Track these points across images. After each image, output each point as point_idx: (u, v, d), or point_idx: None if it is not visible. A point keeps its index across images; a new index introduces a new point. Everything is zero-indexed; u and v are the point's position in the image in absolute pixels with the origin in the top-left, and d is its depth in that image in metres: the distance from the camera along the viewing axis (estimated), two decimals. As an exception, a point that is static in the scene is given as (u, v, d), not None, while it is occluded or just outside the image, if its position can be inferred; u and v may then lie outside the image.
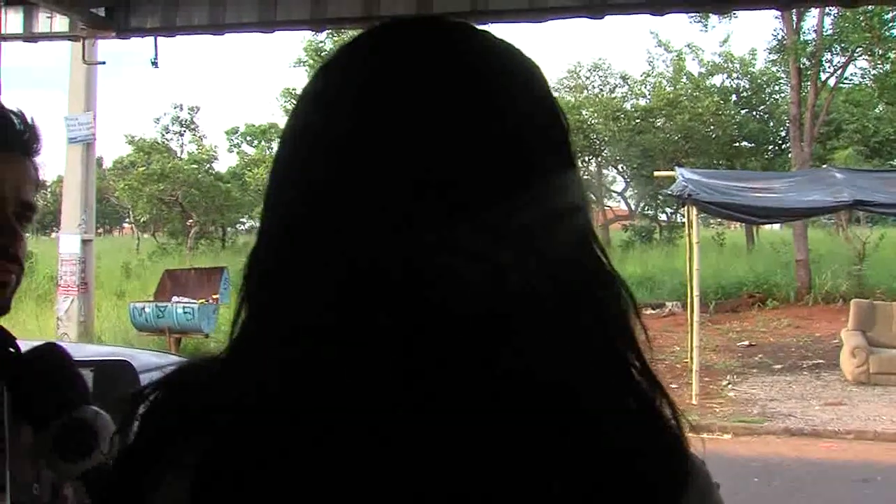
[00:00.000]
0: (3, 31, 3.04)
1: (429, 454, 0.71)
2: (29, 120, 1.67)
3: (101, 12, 4.54)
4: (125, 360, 2.60)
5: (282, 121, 45.96)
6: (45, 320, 13.95)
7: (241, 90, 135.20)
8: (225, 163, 67.68)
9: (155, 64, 5.82)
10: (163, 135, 41.39)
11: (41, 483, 1.72)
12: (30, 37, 4.48)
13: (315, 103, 0.84)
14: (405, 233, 0.73)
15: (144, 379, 2.67)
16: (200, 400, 0.79)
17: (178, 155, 40.35)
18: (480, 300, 0.73)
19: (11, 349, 1.69)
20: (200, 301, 14.46)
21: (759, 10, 9.84)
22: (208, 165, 40.05)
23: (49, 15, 4.64)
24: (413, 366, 0.73)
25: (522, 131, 0.78)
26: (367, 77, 0.80)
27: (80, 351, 7.31)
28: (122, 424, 0.86)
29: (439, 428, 0.71)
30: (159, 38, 5.90)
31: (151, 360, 5.17)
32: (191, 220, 35.73)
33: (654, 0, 3.87)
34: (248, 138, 50.67)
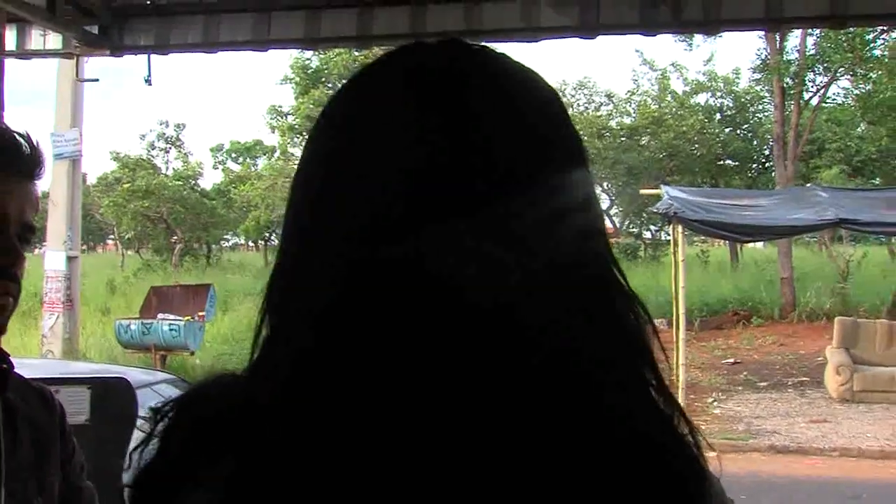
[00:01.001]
0: (4, 49, 3.05)
1: (442, 459, 0.71)
2: (35, 143, 1.69)
3: (95, 30, 4.54)
4: (122, 377, 2.61)
5: (267, 138, 45.91)
6: (30, 337, 13.89)
7: (227, 107, 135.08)
8: (210, 180, 67.57)
9: (148, 82, 5.82)
10: (148, 151, 41.28)
11: (45, 494, 1.73)
12: (23, 54, 4.48)
13: (329, 120, 0.85)
14: (408, 234, 0.74)
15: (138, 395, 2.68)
16: (224, 418, 0.79)
17: (164, 171, 40.24)
18: (485, 301, 0.74)
19: (4, 365, 1.70)
20: (186, 318, 14.41)
21: (748, 31, 9.94)
22: (193, 182, 39.98)
23: (43, 32, 4.64)
24: (419, 367, 0.73)
25: (535, 140, 0.80)
26: (385, 89, 0.82)
27: (68, 368, 7.29)
28: (142, 441, 0.85)
29: (452, 434, 0.72)
30: (150, 56, 5.90)
31: (140, 378, 5.18)
32: (176, 237, 35.63)
33: (645, 21, 3.91)
34: (234, 155, 50.67)
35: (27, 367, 1.79)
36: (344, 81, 0.88)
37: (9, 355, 1.74)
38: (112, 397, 2.42)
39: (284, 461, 0.74)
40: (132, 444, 0.88)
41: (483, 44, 0.87)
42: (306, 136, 0.89)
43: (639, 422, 0.77)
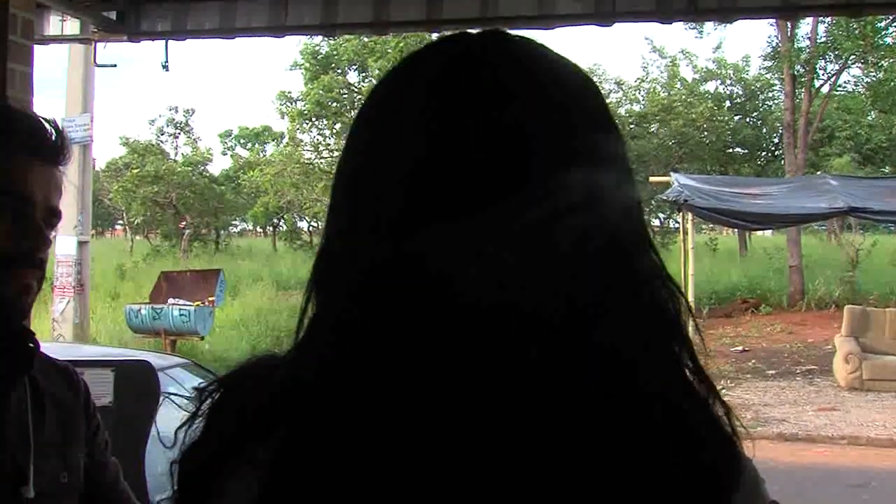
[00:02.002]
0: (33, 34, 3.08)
1: (474, 451, 0.73)
2: (60, 129, 1.72)
3: (113, 16, 4.56)
4: (146, 361, 2.64)
5: (276, 124, 45.95)
6: (40, 322, 13.93)
7: (236, 93, 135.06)
8: (219, 165, 67.63)
9: (166, 67, 5.87)
10: (157, 137, 41.33)
11: (71, 471, 1.76)
12: (42, 40, 4.50)
13: (359, 117, 0.87)
14: (411, 232, 0.76)
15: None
16: (270, 398, 0.81)
17: (173, 157, 40.29)
18: (495, 296, 0.75)
19: (31, 344, 1.73)
20: (196, 303, 14.45)
21: (763, 18, 9.88)
22: (202, 168, 40.01)
23: (61, 18, 4.66)
24: (432, 361, 0.75)
25: (564, 129, 0.80)
26: (405, 88, 0.84)
27: (80, 352, 7.33)
28: (187, 419, 0.88)
29: (481, 426, 0.73)
30: (162, 42, 5.92)
31: (155, 362, 5.20)
32: (185, 223, 35.68)
33: (662, 9, 3.90)
34: (242, 141, 50.73)
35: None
36: (382, 76, 0.90)
37: (34, 335, 1.77)
38: (135, 380, 2.45)
39: (329, 442, 0.76)
40: (178, 423, 0.90)
41: (523, 35, 0.87)
42: (314, 122, 0.91)
43: (671, 406, 0.77)
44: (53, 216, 1.71)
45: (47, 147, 1.69)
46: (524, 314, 0.75)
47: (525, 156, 0.77)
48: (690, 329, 0.85)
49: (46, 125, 1.70)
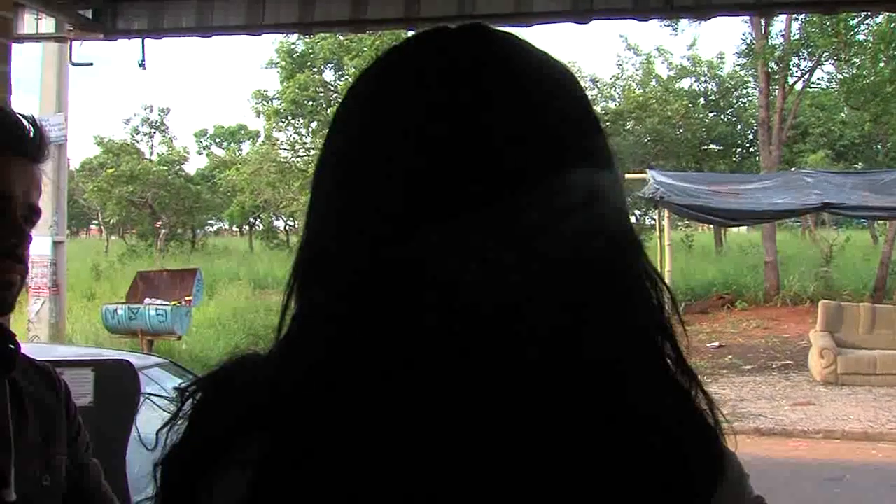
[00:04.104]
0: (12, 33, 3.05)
1: (461, 449, 0.73)
2: (39, 126, 1.71)
3: (89, 14, 4.53)
4: (126, 360, 2.63)
5: (252, 122, 45.73)
6: (16, 323, 13.79)
7: (211, 91, 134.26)
8: (194, 164, 67.29)
9: (142, 66, 5.85)
10: (132, 136, 41.09)
11: (52, 473, 1.75)
12: (18, 38, 4.47)
13: (342, 117, 0.86)
14: (409, 234, 0.75)
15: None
16: (255, 397, 0.80)
17: (148, 156, 40.05)
18: (487, 300, 0.74)
19: (11, 345, 1.72)
20: (173, 303, 14.36)
21: (740, 15, 9.96)
22: (178, 167, 39.79)
23: (37, 16, 4.63)
24: (426, 362, 0.75)
25: (547, 138, 0.79)
26: (394, 85, 0.83)
27: (53, 352, 7.27)
28: (169, 420, 0.86)
29: (470, 423, 0.73)
30: (137, 40, 5.88)
31: (132, 362, 5.17)
32: (160, 222, 35.48)
33: (638, 6, 3.93)
34: (217, 140, 50.53)
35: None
36: (361, 71, 0.89)
37: (15, 336, 1.76)
38: (116, 379, 2.44)
39: (318, 442, 0.75)
40: (160, 424, 0.89)
41: (505, 30, 0.87)
42: (290, 121, 0.88)
43: (653, 404, 0.78)
44: (33, 213, 1.70)
45: (27, 144, 1.68)
46: (522, 315, 0.75)
47: (517, 158, 0.77)
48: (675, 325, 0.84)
49: (25, 122, 1.70)
